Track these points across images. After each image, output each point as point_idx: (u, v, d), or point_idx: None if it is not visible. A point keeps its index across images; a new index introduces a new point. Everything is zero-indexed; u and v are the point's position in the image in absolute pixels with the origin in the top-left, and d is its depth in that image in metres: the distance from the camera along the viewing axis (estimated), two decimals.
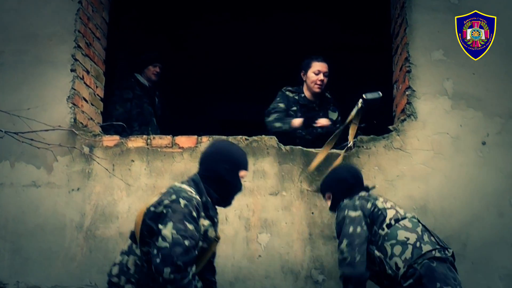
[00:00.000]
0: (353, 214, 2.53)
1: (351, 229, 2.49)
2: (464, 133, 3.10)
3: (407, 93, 3.17)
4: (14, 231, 3.18)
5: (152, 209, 2.29)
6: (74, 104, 3.32)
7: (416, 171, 3.06)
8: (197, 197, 2.31)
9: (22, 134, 2.91)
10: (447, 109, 3.12)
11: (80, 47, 3.39)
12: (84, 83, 3.47)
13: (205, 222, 2.33)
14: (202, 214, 2.31)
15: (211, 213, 2.40)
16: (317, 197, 3.08)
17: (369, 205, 2.57)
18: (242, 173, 2.50)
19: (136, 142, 3.25)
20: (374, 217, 2.54)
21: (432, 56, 3.19)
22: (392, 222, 2.52)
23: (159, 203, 2.28)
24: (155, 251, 2.17)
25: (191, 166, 3.16)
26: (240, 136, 3.21)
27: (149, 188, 3.17)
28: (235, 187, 2.51)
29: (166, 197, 2.27)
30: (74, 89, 3.33)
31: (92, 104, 3.54)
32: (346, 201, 2.60)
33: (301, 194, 3.10)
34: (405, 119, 3.14)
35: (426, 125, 3.12)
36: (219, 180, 2.43)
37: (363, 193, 2.67)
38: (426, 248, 2.44)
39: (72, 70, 3.33)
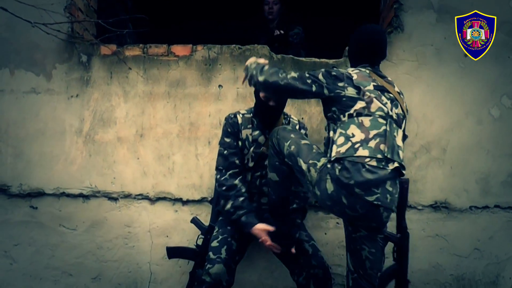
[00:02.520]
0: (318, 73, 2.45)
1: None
2: (448, 45, 3.18)
3: (394, 6, 3.24)
4: (15, 136, 3.27)
5: None
6: (71, 14, 3.37)
7: (401, 80, 3.16)
8: (238, 116, 2.85)
9: (50, 26, 2.95)
10: (432, 22, 3.20)
11: None
12: None
13: (254, 132, 2.80)
14: (249, 126, 2.81)
15: (258, 126, 2.81)
16: (306, 103, 3.21)
17: (340, 84, 2.41)
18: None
19: (133, 50, 3.31)
20: (337, 99, 2.39)
21: None
22: (354, 113, 2.38)
23: None
24: None
25: (186, 74, 3.27)
26: (234, 45, 3.28)
27: (146, 95, 3.27)
28: (260, 102, 2.77)
29: None
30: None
31: (87, 15, 3.58)
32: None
33: (291, 101, 3.18)
34: (392, 31, 3.22)
35: (412, 37, 3.20)
36: None
37: (357, 70, 2.47)
38: (361, 152, 2.31)
39: None
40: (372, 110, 2.38)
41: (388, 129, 2.37)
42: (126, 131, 3.25)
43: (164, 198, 3.22)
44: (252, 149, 2.80)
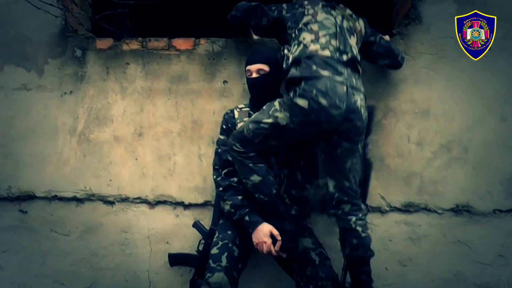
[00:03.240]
0: None
1: None
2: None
3: None
4: (4, 135, 3.07)
5: None
6: (64, 6, 3.16)
7: (419, 75, 2.97)
8: (235, 111, 2.74)
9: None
10: (453, 13, 3.00)
11: None
12: None
13: (251, 126, 2.54)
14: (245, 119, 2.67)
15: (245, 119, 2.68)
16: None
17: (296, 6, 2.64)
18: (246, 70, 2.68)
19: (131, 44, 3.11)
20: (292, 16, 2.62)
21: None
22: (303, 25, 2.55)
23: None
24: None
25: (189, 69, 3.06)
26: (240, 39, 3.05)
27: (145, 91, 3.06)
28: (248, 85, 2.70)
29: None
30: None
31: (81, 9, 3.37)
32: None
33: None
34: (409, 23, 3.02)
35: (431, 29, 3.00)
36: None
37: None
38: (313, 47, 2.46)
39: None
40: (319, 19, 2.56)
41: (338, 30, 2.54)
42: (124, 130, 3.06)
43: (164, 202, 3.02)
44: None
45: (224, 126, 2.74)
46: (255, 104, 2.71)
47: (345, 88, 2.40)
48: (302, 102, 2.37)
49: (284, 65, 2.56)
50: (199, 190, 2.99)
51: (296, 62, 2.46)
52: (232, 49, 3.06)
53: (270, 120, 2.45)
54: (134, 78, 3.08)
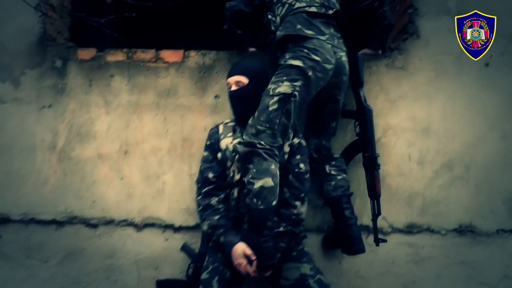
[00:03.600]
0: None
1: None
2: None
3: (409, 11, 2.99)
4: None
5: None
6: (43, 13, 2.96)
7: (419, 91, 2.89)
8: (220, 126, 2.60)
9: None
10: (451, 29, 2.95)
11: None
12: None
13: (234, 140, 2.50)
14: (229, 135, 2.54)
15: (241, 130, 2.53)
16: None
17: None
18: (227, 82, 2.56)
19: (115, 55, 2.93)
20: None
21: None
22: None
23: None
24: None
25: (178, 82, 2.90)
26: (232, 51, 2.92)
27: (131, 105, 2.88)
28: (228, 98, 2.59)
29: None
30: None
31: (60, 17, 3.17)
32: None
33: None
34: (407, 38, 2.96)
35: (429, 44, 2.94)
36: None
37: None
38: (298, 5, 2.52)
39: None
40: None
41: None
42: (108, 147, 2.86)
43: (152, 225, 2.82)
44: (235, 160, 2.46)
45: (207, 142, 2.59)
46: (238, 119, 2.57)
47: (330, 46, 2.46)
48: (296, 62, 2.38)
49: (272, 28, 2.56)
50: (190, 212, 2.81)
51: (283, 21, 2.51)
52: (224, 62, 2.92)
53: (276, 98, 2.35)
54: (119, 92, 2.90)
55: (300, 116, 2.51)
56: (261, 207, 2.28)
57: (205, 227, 2.43)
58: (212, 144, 2.56)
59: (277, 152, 2.35)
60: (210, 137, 2.60)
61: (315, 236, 2.79)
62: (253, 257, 2.30)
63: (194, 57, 2.92)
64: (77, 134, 2.86)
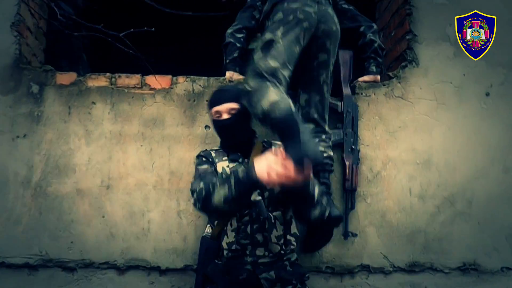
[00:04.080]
0: None
1: None
2: (468, 82, 2.85)
3: (407, 37, 2.88)
4: None
5: None
6: (19, 33, 2.73)
7: (419, 122, 2.79)
8: (211, 152, 2.37)
9: None
10: (450, 56, 2.87)
11: None
12: (29, 9, 2.87)
13: (231, 164, 2.29)
14: (224, 158, 2.32)
15: (233, 157, 2.32)
16: None
17: None
18: (212, 111, 2.32)
19: (97, 80, 2.71)
20: None
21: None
22: None
23: None
24: None
25: (165, 111, 2.70)
26: (223, 78, 2.76)
27: (114, 136, 2.67)
28: (215, 128, 2.37)
29: None
30: (20, 15, 2.75)
31: (36, 38, 2.95)
32: None
33: None
34: (406, 66, 2.85)
35: (429, 72, 2.85)
36: None
37: None
38: None
39: None
40: None
41: None
42: (89, 181, 2.64)
43: (136, 267, 2.60)
44: None
45: (204, 159, 2.32)
46: (228, 148, 2.37)
47: (314, 13, 2.42)
48: (278, 15, 2.38)
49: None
50: (178, 253, 2.60)
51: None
52: (215, 89, 2.70)
53: (259, 49, 2.28)
54: (101, 120, 2.69)
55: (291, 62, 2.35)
56: (281, 115, 2.02)
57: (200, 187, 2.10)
58: (211, 163, 2.31)
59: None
60: (205, 156, 2.34)
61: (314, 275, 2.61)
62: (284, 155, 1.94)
63: (183, 84, 2.74)
64: (54, 167, 2.63)
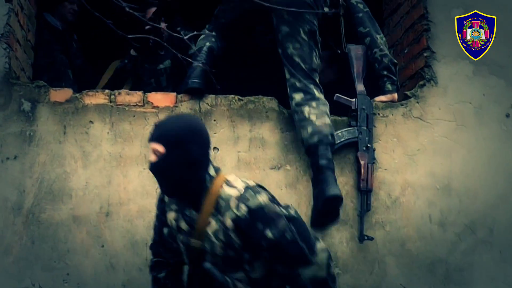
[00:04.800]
0: None
1: None
2: (487, 102, 2.81)
3: (425, 54, 2.83)
4: None
5: None
6: (8, 45, 2.62)
7: (438, 145, 2.73)
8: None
9: None
10: (469, 75, 2.83)
11: None
12: (18, 21, 2.76)
13: (170, 216, 2.02)
14: (172, 207, 2.02)
15: (181, 207, 1.99)
16: None
17: None
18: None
19: (95, 98, 2.65)
20: None
21: (452, 14, 2.88)
22: None
23: None
24: None
25: None
26: (232, 96, 2.69)
27: (114, 158, 2.61)
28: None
29: None
30: (10, 26, 2.64)
31: (24, 52, 2.85)
32: None
33: (308, 168, 2.62)
34: (424, 84, 2.80)
35: (447, 92, 2.80)
36: None
37: None
38: None
39: (7, 1, 2.63)
40: None
41: None
42: (86, 207, 2.58)
43: None
44: (181, 239, 2.01)
45: (156, 211, 2.12)
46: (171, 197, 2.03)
47: None
48: None
49: None
50: None
51: None
52: (224, 108, 2.69)
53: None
54: (99, 141, 2.63)
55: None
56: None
57: None
58: (159, 216, 2.09)
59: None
60: (156, 205, 2.11)
61: None
62: None
63: (188, 102, 2.68)
64: (48, 192, 2.57)
